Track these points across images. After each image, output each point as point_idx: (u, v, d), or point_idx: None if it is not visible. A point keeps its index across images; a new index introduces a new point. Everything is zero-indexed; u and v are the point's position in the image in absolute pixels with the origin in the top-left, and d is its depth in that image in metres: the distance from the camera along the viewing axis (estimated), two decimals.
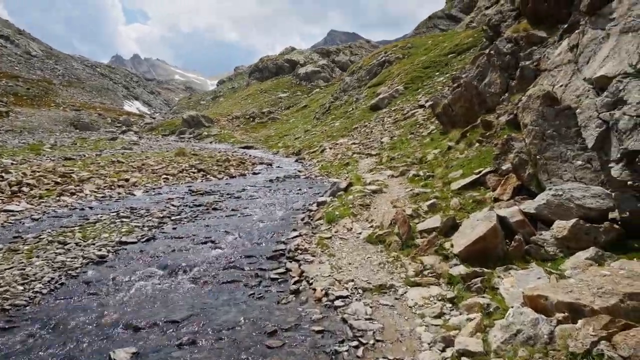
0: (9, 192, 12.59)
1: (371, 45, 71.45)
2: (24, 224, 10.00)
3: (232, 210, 11.60)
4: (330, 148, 24.27)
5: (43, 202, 12.04)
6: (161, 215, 10.66)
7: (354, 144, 23.02)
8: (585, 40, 7.05)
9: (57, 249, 7.97)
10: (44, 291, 6.20)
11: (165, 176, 16.50)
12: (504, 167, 8.50)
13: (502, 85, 13.83)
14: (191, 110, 56.63)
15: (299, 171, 19.74)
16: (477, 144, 12.44)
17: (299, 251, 7.58)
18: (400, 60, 37.13)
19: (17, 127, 44.33)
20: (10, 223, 10.01)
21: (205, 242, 8.57)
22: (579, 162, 6.31)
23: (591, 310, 3.75)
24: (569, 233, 5.46)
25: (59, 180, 14.29)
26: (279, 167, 22.45)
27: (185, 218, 10.64)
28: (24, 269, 6.88)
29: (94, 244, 8.28)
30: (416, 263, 6.45)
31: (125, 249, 8.18)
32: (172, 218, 10.55)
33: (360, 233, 8.32)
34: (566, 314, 3.84)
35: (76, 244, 8.27)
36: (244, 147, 35.81)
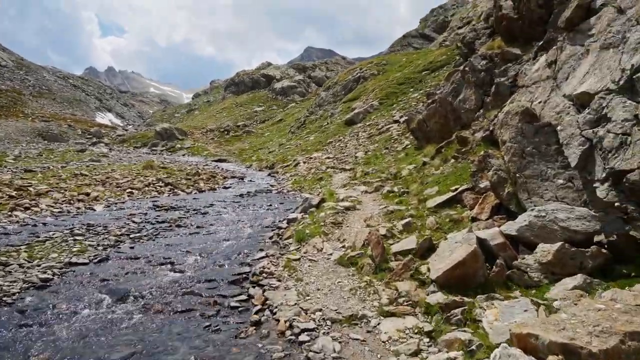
0: None
1: (347, 61, 71.89)
2: None
3: (197, 227, 10.81)
4: (304, 162, 23.70)
5: None
6: (119, 233, 9.78)
7: (328, 158, 22.53)
8: (563, 56, 6.75)
9: None
10: None
11: (130, 190, 15.53)
12: (481, 185, 8.09)
13: (477, 102, 13.62)
14: (164, 123, 55.22)
15: (271, 185, 19.05)
16: (452, 160, 12.10)
17: (264, 274, 6.89)
18: (375, 77, 37.17)
19: None
20: None
21: (163, 264, 7.77)
22: (560, 181, 5.91)
23: (589, 353, 3.23)
24: (553, 258, 5.00)
25: (14, 193, 13.16)
26: (251, 181, 21.70)
27: (145, 236, 9.79)
28: None
29: (39, 266, 7.37)
30: (390, 289, 5.86)
31: (74, 271, 7.31)
32: (131, 236, 9.68)
33: (331, 254, 7.71)
34: (560, 356, 3.31)
35: (19, 265, 7.34)
36: (217, 160, 34.86)
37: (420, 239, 7.06)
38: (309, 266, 7.15)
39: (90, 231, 9.88)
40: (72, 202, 13.22)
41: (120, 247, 8.86)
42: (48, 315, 5.65)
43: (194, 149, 44.28)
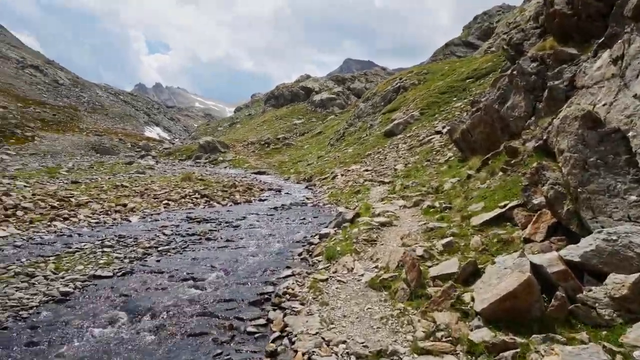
0: (2, 216, 11.73)
1: (387, 72, 71.04)
2: (2, 251, 9.00)
3: (226, 241, 10.43)
4: (342, 175, 23.09)
5: (32, 227, 11.12)
6: (148, 245, 9.56)
7: (367, 170, 21.81)
8: (632, 50, 5.79)
9: (22, 282, 6.91)
10: None
11: (166, 202, 15.54)
12: (535, 201, 7.15)
13: (527, 108, 12.53)
14: (207, 136, 56.52)
15: (307, 198, 18.56)
16: (500, 173, 11.07)
17: (287, 296, 6.30)
18: (416, 86, 36.16)
19: (40, 150, 44.71)
20: None
21: (186, 280, 7.37)
22: (634, 198, 4.96)
23: None
24: (630, 292, 4.07)
25: (56, 204, 13.43)
26: (287, 193, 21.33)
27: (173, 249, 9.51)
28: None
29: (63, 278, 7.19)
30: (427, 321, 5.09)
31: (96, 285, 7.05)
32: (159, 249, 9.43)
33: (362, 275, 7.01)
34: None
35: (44, 277, 7.20)
36: (256, 173, 34.96)
37: (463, 262, 6.24)
38: (336, 288, 6.49)
39: (120, 243, 9.73)
40: (109, 212, 13.30)
41: (146, 260, 8.59)
42: (58, 333, 5.33)
43: (235, 162, 44.86)
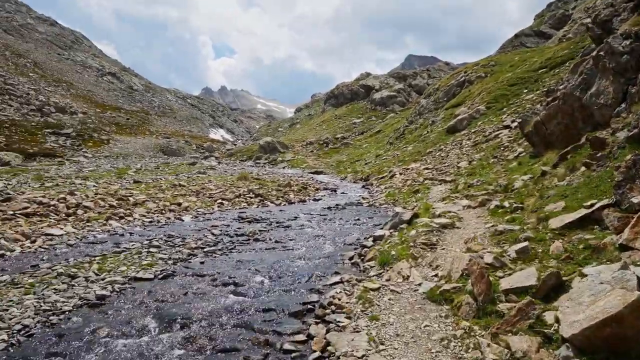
0: (63, 215, 12.18)
1: (450, 67, 67.94)
2: (55, 250, 9.18)
3: (275, 242, 9.92)
4: (401, 173, 21.95)
5: (89, 225, 11.38)
6: (194, 246, 9.29)
7: (427, 169, 20.51)
8: None
9: (62, 283, 6.82)
10: None
11: (220, 201, 15.47)
12: (634, 200, 5.84)
13: (615, 94, 10.83)
14: (267, 137, 57.37)
15: (363, 198, 17.72)
16: (583, 168, 9.55)
17: (332, 307, 5.58)
18: (482, 79, 33.88)
19: (114, 152, 47.83)
20: (44, 248, 9.25)
21: (227, 284, 6.90)
22: None
23: None
24: None
25: (115, 203, 13.78)
26: (343, 193, 20.61)
27: (220, 250, 9.16)
28: (7, 310, 5.69)
29: (103, 280, 7.01)
30: (499, 345, 4.13)
31: (134, 288, 6.78)
32: (205, 249, 9.12)
33: (419, 284, 6.11)
34: None
35: (85, 278, 7.07)
36: (313, 172, 34.65)
37: (543, 273, 5.16)
38: (389, 299, 5.66)
39: (168, 243, 9.56)
40: (163, 212, 13.38)
41: (190, 262, 8.28)
42: (84, 342, 5.01)
43: (293, 162, 44.98)
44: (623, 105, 10.67)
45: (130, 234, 10.74)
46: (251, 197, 16.56)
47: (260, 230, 11.08)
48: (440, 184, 17.43)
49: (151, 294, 6.50)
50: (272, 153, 50.09)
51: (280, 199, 16.99)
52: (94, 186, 17.95)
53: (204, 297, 6.32)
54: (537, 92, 24.79)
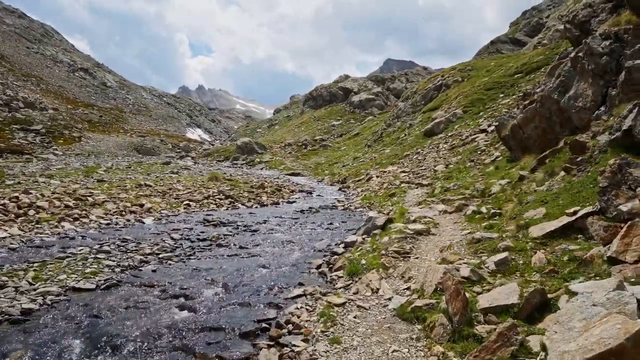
0: (12, 215, 11.08)
1: (428, 72, 68.18)
2: None
3: (239, 247, 9.15)
4: (377, 176, 21.43)
5: (38, 227, 10.34)
6: (148, 252, 8.43)
7: (404, 172, 20.03)
8: None
9: None
10: None
11: (187, 202, 14.55)
12: (623, 208, 5.33)
13: (595, 97, 10.47)
14: (245, 138, 56.26)
15: (338, 201, 17.08)
16: (563, 173, 9.12)
17: (290, 326, 4.86)
18: (459, 84, 33.79)
19: (86, 150, 45.86)
20: None
21: (176, 297, 6.10)
22: None
23: None
24: None
25: (71, 203, 12.71)
26: (319, 195, 19.93)
27: (177, 256, 8.32)
28: None
29: (35, 290, 6.10)
30: None
31: (69, 300, 5.91)
32: (160, 256, 8.27)
33: (389, 299, 5.45)
34: None
35: (15, 288, 6.16)
36: (290, 174, 33.87)
37: (526, 289, 4.58)
38: (355, 317, 4.98)
39: (120, 248, 8.66)
40: (123, 213, 12.42)
41: (141, 270, 7.43)
42: None
43: (271, 163, 44.08)
44: (603, 108, 10.33)
45: (83, 237, 9.77)
46: (221, 199, 15.70)
47: (225, 235, 10.27)
48: (417, 188, 16.95)
49: (87, 307, 5.65)
50: (250, 154, 49.05)
51: (252, 201, 16.18)
52: (54, 185, 16.77)
53: (147, 312, 5.51)
54: (514, 96, 24.70)
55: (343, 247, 8.92)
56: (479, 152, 18.49)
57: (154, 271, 7.37)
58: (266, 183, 21.26)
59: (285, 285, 6.55)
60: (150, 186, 16.68)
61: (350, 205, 15.87)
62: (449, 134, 24.40)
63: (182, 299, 6.00)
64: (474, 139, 20.88)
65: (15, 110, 49.24)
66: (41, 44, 73.53)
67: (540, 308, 4.37)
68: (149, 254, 8.27)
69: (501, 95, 25.96)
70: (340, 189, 22.52)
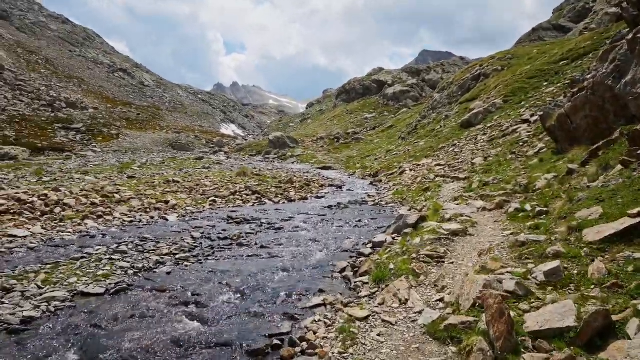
0: (38, 213, 11.12)
1: (465, 62, 65.60)
2: (12, 254, 8.07)
3: (261, 247, 8.67)
4: (411, 169, 20.50)
5: (61, 225, 10.29)
6: (166, 252, 8.09)
7: (438, 165, 19.02)
8: None
9: None
10: None
11: (213, 198, 14.28)
12: None
13: None
14: (277, 132, 56.18)
15: (369, 196, 16.36)
16: (620, 167, 8.04)
17: (304, 344, 4.29)
18: (499, 73, 32.04)
19: (123, 147, 47.20)
20: (0, 252, 8.13)
21: (187, 304, 5.67)
22: None
23: None
24: None
25: (97, 200, 12.69)
26: (349, 190, 19.27)
27: (195, 256, 7.95)
28: None
29: (41, 295, 5.83)
30: None
31: (74, 307, 5.59)
32: (178, 256, 7.91)
33: (419, 312, 4.77)
34: None
35: (22, 292, 5.92)
36: (321, 168, 33.35)
37: (584, 308, 3.79)
38: (378, 335, 4.34)
39: (138, 247, 8.37)
40: (148, 210, 12.26)
41: (155, 272, 7.07)
42: None
43: (303, 157, 43.75)
44: None
45: (104, 235, 9.60)
46: (247, 195, 15.34)
47: (247, 233, 9.83)
48: (453, 182, 15.98)
49: (90, 316, 5.29)
50: (282, 148, 48.91)
51: (280, 196, 15.74)
52: (86, 182, 16.96)
53: (152, 322, 5.09)
54: (559, 84, 22.99)
55: (371, 248, 8.26)
56: (520, 144, 17.21)
57: (168, 273, 6.99)
58: (295, 178, 20.81)
59: (305, 292, 5.99)
60: (178, 182, 16.57)
61: (381, 201, 15.13)
62: (488, 125, 23.05)
63: (192, 307, 5.55)
64: (515, 130, 19.53)
65: (57, 110, 51.31)
66: (83, 47, 76.39)
67: (603, 333, 3.58)
68: (165, 255, 7.92)
69: (545, 84, 24.25)
70: (371, 183, 21.75)
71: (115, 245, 8.39)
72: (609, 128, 10.93)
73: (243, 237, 9.45)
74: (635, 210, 5.63)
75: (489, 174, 14.96)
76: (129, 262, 7.37)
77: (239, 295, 5.94)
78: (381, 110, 57.59)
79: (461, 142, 22.68)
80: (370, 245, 8.49)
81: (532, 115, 20.48)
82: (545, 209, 8.40)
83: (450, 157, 20.72)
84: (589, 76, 14.04)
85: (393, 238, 8.73)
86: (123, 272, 6.88)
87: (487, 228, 8.16)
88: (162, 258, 7.71)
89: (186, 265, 7.42)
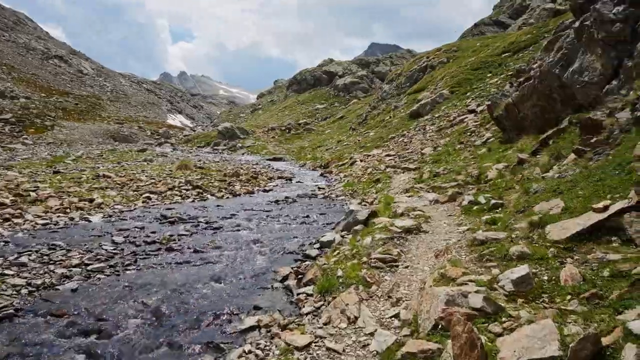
0: None
1: (412, 55, 66.31)
2: None
3: (194, 252, 7.49)
4: (361, 160, 19.86)
5: None
6: (76, 262, 6.71)
7: (388, 155, 18.49)
8: None
9: None
10: None
11: (148, 195, 12.76)
12: None
13: (605, 69, 8.99)
14: (227, 123, 53.96)
15: (319, 188, 15.48)
16: (573, 156, 7.62)
17: None
18: (445, 64, 32.18)
19: (58, 139, 43.17)
20: None
21: (87, 333, 4.46)
22: None
23: None
24: None
25: (8, 201, 10.83)
26: (299, 182, 18.29)
27: (111, 267, 6.64)
28: None
29: None
30: None
31: None
32: (91, 267, 6.57)
33: (371, 334, 3.90)
34: None
35: None
36: (272, 159, 32.12)
37: (567, 332, 3.05)
38: None
39: (43, 257, 6.92)
40: (68, 210, 10.61)
41: (58, 289, 5.74)
42: None
43: (253, 148, 42.19)
44: (615, 82, 8.83)
45: (6, 243, 7.97)
46: (187, 190, 13.93)
47: (180, 235, 8.58)
48: (404, 172, 15.44)
49: None
50: (232, 139, 46.97)
51: (223, 190, 14.45)
52: (8, 178, 14.73)
53: None
54: (502, 75, 23.20)
55: (318, 249, 7.35)
56: (468, 134, 17.01)
57: (74, 291, 5.68)
58: (242, 170, 19.52)
59: (237, 310, 4.95)
60: (110, 177, 14.80)
61: (331, 193, 14.29)
62: (436, 116, 22.88)
63: (93, 337, 4.36)
64: (462, 120, 19.38)
65: None
66: (13, 31, 69.30)
67: None
68: (75, 266, 6.55)
69: (489, 75, 24.45)
70: (322, 175, 20.92)
71: (15, 256, 6.88)
72: (556, 117, 10.67)
73: (174, 240, 8.20)
74: (600, 204, 5.06)
75: (439, 164, 14.53)
76: (25, 277, 5.95)
77: (155, 318, 4.80)
78: (332, 101, 56.93)
79: (410, 132, 22.34)
80: (317, 245, 7.59)
81: (478, 106, 20.44)
82: (500, 202, 7.85)
83: (400, 147, 20.27)
84: (535, 65, 13.88)
85: (342, 236, 7.87)
86: (14, 292, 5.49)
87: (441, 223, 7.48)
88: (70, 270, 6.34)
89: (99, 279, 6.13)
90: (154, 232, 8.77)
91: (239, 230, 9.11)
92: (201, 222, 9.81)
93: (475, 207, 7.97)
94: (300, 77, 65.93)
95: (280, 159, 32.62)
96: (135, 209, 11.39)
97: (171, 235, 8.42)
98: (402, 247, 6.21)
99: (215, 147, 45.36)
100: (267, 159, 32.41)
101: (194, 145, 47.91)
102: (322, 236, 7.89)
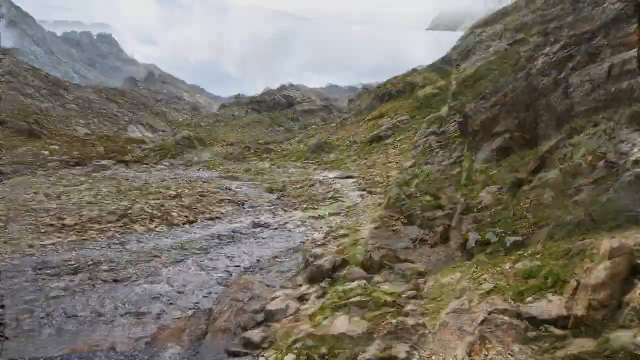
0: None
1: (369, 91, 65.59)
2: None
3: (55, 333, 4.16)
4: (321, 183, 17.05)
5: None
6: None
7: (351, 177, 15.82)
8: None
9: None
10: None
11: (50, 231, 9.12)
12: None
13: None
14: (185, 132, 49.51)
15: (274, 215, 12.40)
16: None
17: None
18: (403, 94, 30.56)
19: None
20: None
21: None
22: None
23: None
24: None
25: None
26: (251, 207, 15.05)
27: None
28: None
29: None
30: None
31: None
32: None
33: None
34: None
35: None
36: (227, 179, 28.54)
37: None
38: None
39: None
40: None
41: None
42: None
43: (210, 163, 38.23)
44: None
45: None
46: (110, 222, 10.36)
47: (52, 298, 5.18)
48: (370, 196, 12.75)
49: None
50: (190, 150, 42.66)
51: (157, 220, 11.00)
52: None
53: None
54: (463, 99, 21.53)
55: (260, 326, 4.28)
56: (434, 154, 14.67)
57: None
58: (187, 191, 16.07)
59: None
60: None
61: (287, 222, 11.25)
62: (398, 139, 20.66)
63: None
64: (426, 142, 17.13)
65: None
66: None
67: None
68: None
69: (449, 100, 22.71)
70: (278, 198, 17.80)
71: None
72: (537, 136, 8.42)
73: (34, 310, 4.81)
74: None
75: (409, 187, 11.96)
76: None
77: None
78: (292, 125, 54.33)
79: (373, 156, 19.89)
80: (261, 316, 4.52)
81: (439, 128, 18.47)
82: (519, 238, 5.23)
83: (362, 170, 17.69)
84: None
85: (300, 299, 4.86)
86: None
87: (449, 280, 4.65)
88: None
89: None
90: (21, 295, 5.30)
91: (143, 295, 5.79)
92: (102, 270, 6.42)
93: (488, 250, 5.26)
94: (261, 98, 63.28)
95: (236, 179, 29.14)
96: (27, 255, 7.73)
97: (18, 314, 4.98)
98: (409, 335, 3.28)
99: (172, 161, 40.83)
100: (223, 177, 28.87)
101: (151, 160, 42.96)
102: (268, 302, 4.82)
